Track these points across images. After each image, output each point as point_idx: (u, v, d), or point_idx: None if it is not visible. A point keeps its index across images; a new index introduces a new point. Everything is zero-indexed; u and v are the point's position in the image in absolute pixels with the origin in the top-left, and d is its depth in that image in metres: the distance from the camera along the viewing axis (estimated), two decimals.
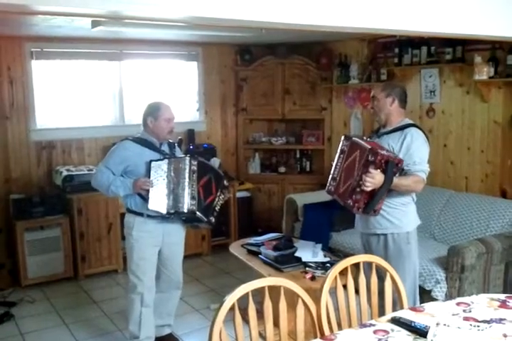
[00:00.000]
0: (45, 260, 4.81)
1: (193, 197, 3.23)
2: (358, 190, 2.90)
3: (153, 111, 3.37)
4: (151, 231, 3.38)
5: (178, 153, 3.58)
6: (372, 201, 2.92)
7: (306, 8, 2.18)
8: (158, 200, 3.26)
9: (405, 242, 3.15)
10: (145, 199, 3.30)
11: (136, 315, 3.42)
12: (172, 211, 3.26)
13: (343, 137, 3.19)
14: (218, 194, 3.47)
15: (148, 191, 3.25)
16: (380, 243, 3.19)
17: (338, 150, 3.17)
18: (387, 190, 2.93)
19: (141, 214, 3.36)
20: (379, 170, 2.85)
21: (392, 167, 2.88)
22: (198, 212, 3.24)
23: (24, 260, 4.73)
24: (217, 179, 3.48)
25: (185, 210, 3.23)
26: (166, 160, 3.32)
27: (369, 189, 2.86)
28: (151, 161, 3.30)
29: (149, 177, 3.26)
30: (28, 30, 4.47)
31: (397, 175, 2.95)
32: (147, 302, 3.44)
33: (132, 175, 3.31)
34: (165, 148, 3.47)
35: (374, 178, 2.84)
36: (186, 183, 3.24)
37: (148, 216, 3.34)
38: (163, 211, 3.26)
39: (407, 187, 3.03)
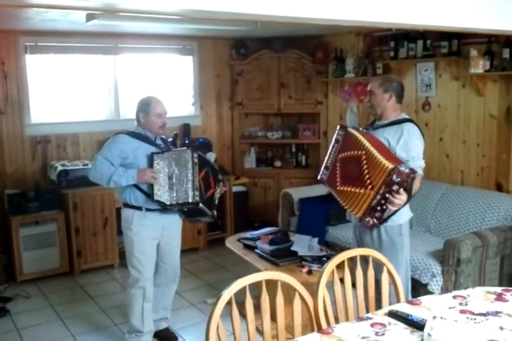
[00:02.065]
0: (41, 255, 4.80)
1: (196, 189, 3.23)
2: (379, 208, 2.87)
3: (144, 107, 3.35)
4: (151, 224, 3.37)
5: (172, 147, 3.56)
6: (390, 216, 2.92)
7: (301, 1, 2.16)
8: (162, 192, 3.26)
9: (398, 234, 3.17)
10: (145, 193, 3.30)
11: (139, 309, 3.42)
12: (175, 202, 3.25)
13: (338, 126, 3.18)
14: (216, 188, 3.48)
15: (152, 182, 3.25)
16: (373, 235, 3.20)
17: (333, 140, 3.16)
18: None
19: (139, 208, 3.35)
20: (402, 189, 2.83)
21: (412, 182, 2.87)
22: (201, 204, 3.24)
23: (19, 255, 4.71)
24: (213, 173, 3.50)
25: (190, 200, 3.22)
26: (168, 152, 3.32)
27: (395, 209, 2.85)
28: (153, 153, 3.30)
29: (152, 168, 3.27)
30: (22, 24, 4.43)
31: None
32: (148, 297, 3.44)
33: (132, 168, 3.29)
34: (159, 142, 3.46)
35: (402, 200, 2.83)
36: (190, 175, 3.24)
37: (147, 209, 3.34)
38: (167, 202, 3.26)
39: (416, 190, 3.03)
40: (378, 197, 2.83)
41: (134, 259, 3.40)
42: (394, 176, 2.77)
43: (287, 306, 2.22)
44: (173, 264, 3.60)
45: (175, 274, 3.64)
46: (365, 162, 2.91)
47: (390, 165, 2.77)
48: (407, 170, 2.80)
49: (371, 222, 2.91)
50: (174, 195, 3.25)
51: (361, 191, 2.91)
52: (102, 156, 3.31)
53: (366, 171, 2.90)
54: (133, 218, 3.36)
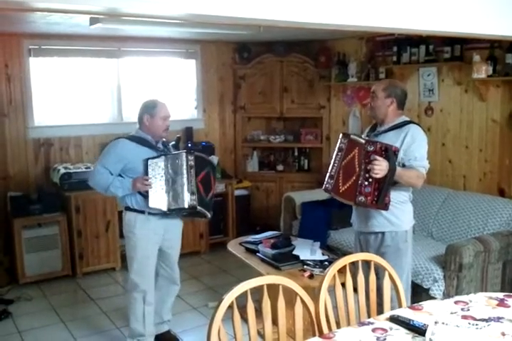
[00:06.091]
0: (43, 258, 4.80)
1: (192, 193, 3.22)
2: (366, 183, 2.90)
3: (150, 109, 3.35)
4: (154, 228, 3.37)
5: (173, 150, 3.54)
6: (382, 190, 2.90)
7: (304, 6, 2.17)
8: (158, 198, 3.25)
9: (403, 240, 3.17)
10: (146, 196, 3.29)
11: (140, 313, 3.42)
12: (173, 207, 3.25)
13: (341, 135, 3.16)
14: (215, 188, 3.48)
15: (146, 190, 3.25)
16: (377, 241, 3.20)
17: (336, 148, 3.14)
18: (393, 179, 2.93)
19: (142, 212, 3.35)
20: (380, 157, 2.86)
21: (392, 152, 2.90)
22: (198, 207, 3.24)
23: (22, 258, 4.72)
24: (214, 172, 3.48)
25: (186, 206, 3.22)
26: (163, 157, 3.29)
27: (379, 176, 2.85)
28: (147, 159, 3.28)
29: (147, 175, 3.25)
30: (26, 27, 4.45)
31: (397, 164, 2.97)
32: (150, 300, 3.44)
33: (131, 173, 3.29)
34: (160, 145, 3.45)
35: (381, 165, 2.84)
36: (185, 179, 3.23)
37: (150, 213, 3.33)
38: (164, 208, 3.25)
39: (409, 179, 3.01)
40: (362, 172, 2.91)
41: (137, 264, 3.39)
42: (368, 147, 2.91)
43: (289, 310, 2.21)
44: (173, 267, 3.60)
45: (176, 276, 3.64)
46: (357, 154, 2.97)
47: (363, 141, 2.96)
48: (382, 142, 2.93)
49: (364, 200, 2.92)
50: (170, 200, 3.24)
51: (353, 179, 2.96)
52: (100, 165, 3.31)
53: (357, 160, 2.96)
54: (136, 222, 3.35)
